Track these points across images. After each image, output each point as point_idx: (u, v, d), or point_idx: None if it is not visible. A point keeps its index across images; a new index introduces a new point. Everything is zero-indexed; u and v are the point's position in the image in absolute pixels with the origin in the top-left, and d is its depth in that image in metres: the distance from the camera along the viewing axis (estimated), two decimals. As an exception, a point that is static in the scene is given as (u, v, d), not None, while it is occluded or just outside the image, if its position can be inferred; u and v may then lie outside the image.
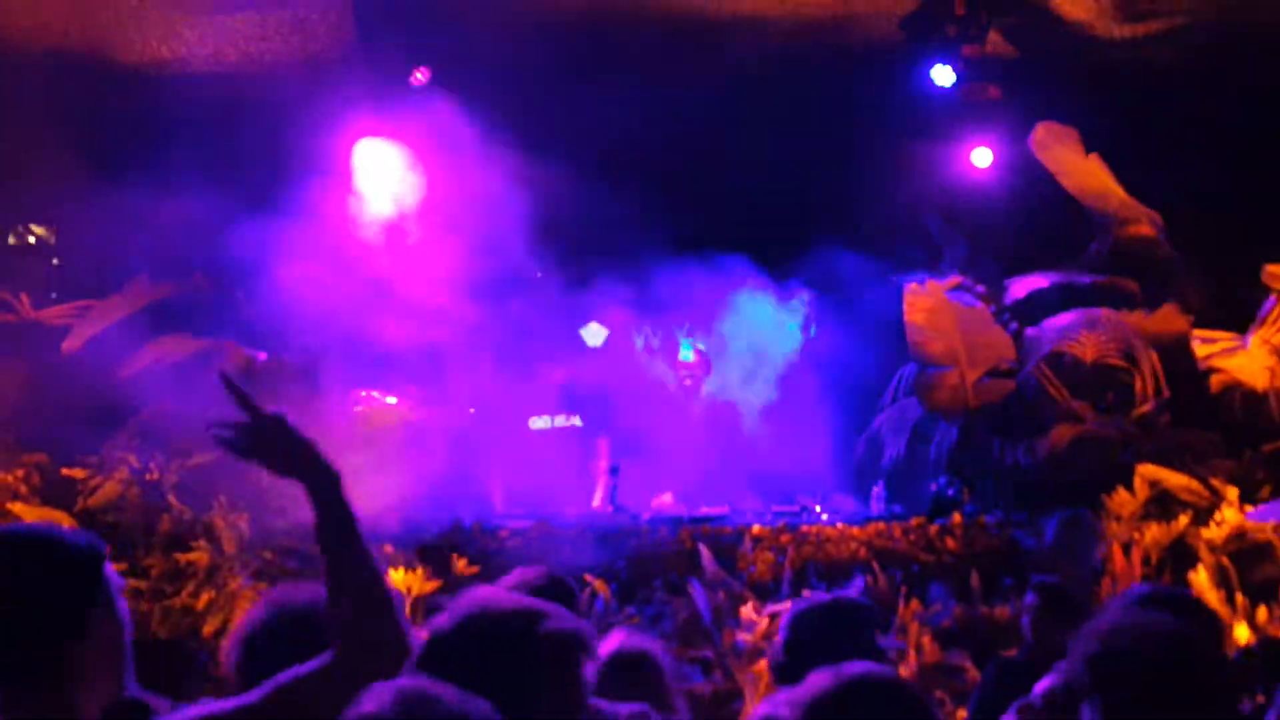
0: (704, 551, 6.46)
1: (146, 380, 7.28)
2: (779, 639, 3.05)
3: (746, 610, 6.06)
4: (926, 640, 5.85)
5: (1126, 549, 6.24)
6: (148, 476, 7.04)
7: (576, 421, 7.91)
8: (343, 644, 1.97)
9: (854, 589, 6.00)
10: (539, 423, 7.96)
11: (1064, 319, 7.41)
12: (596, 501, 7.24)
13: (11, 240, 8.65)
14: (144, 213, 7.60)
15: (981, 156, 8.08)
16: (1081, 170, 7.86)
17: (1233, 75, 7.84)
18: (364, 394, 7.61)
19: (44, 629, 1.91)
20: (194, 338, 7.56)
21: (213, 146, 8.01)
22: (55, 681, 1.92)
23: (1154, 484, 6.56)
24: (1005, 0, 7.40)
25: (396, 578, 6.39)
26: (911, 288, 7.41)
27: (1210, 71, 7.86)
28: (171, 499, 6.96)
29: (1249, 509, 6.36)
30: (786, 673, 3.01)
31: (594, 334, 8.95)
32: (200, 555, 6.76)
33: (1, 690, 1.90)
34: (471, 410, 8.12)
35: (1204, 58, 7.85)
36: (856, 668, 2.19)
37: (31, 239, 8.58)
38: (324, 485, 2.01)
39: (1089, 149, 7.85)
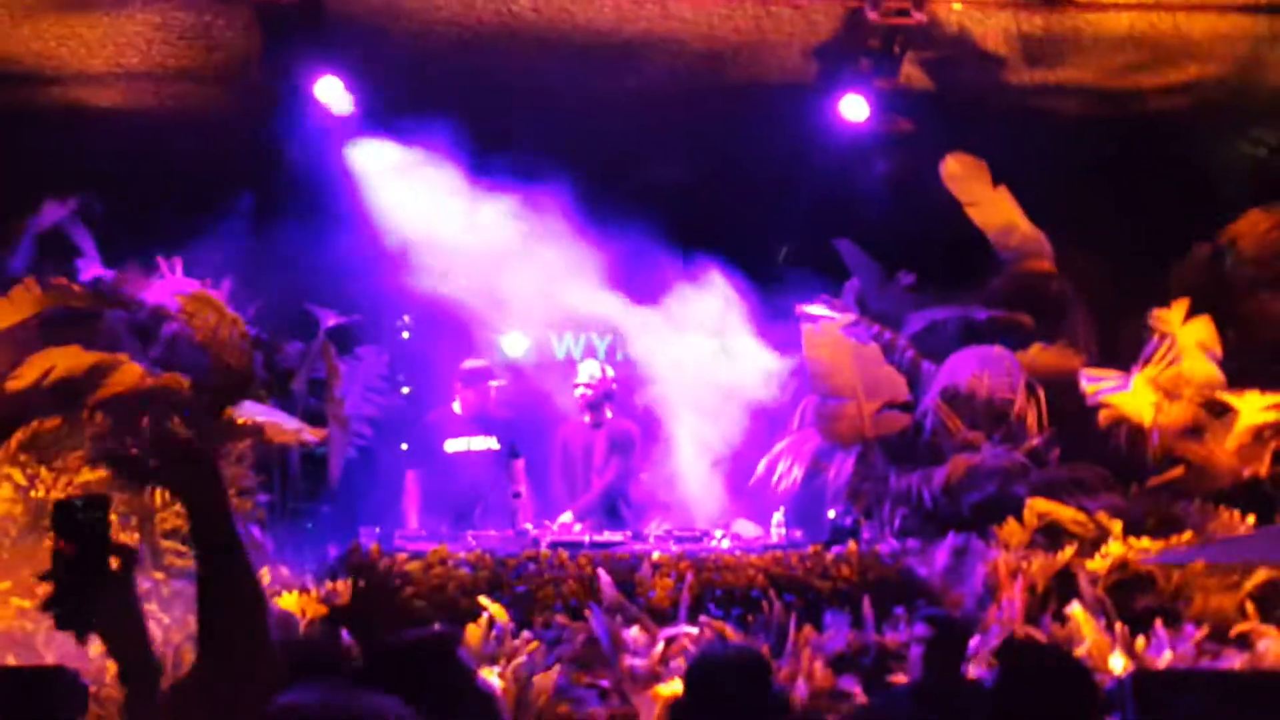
0: (603, 577, 6.46)
1: (33, 393, 7.06)
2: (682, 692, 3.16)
3: (637, 634, 6.09)
4: (818, 666, 5.93)
5: (1012, 578, 6.41)
6: (32, 494, 6.83)
7: (493, 444, 7.72)
8: (211, 652, 2.02)
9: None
10: (455, 445, 7.74)
11: (960, 354, 7.59)
12: (517, 524, 7.19)
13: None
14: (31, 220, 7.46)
15: (889, 188, 8.22)
16: (989, 202, 8.03)
17: (1128, 127, 8.16)
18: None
19: None
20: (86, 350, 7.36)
21: (112, 152, 7.86)
22: None
23: (1043, 516, 6.76)
24: (920, 35, 7.55)
25: (288, 600, 6.29)
26: (809, 327, 7.54)
27: (1108, 121, 8.18)
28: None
29: (1144, 546, 6.57)
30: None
31: (514, 343, 8.80)
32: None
33: None
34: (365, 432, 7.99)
35: (1103, 108, 8.18)
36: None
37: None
38: (207, 506, 2.05)
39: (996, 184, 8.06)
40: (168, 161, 7.91)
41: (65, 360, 7.19)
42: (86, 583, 2.00)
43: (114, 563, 2.04)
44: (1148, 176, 7.96)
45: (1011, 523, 6.75)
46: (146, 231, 7.87)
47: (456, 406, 7.81)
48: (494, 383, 7.83)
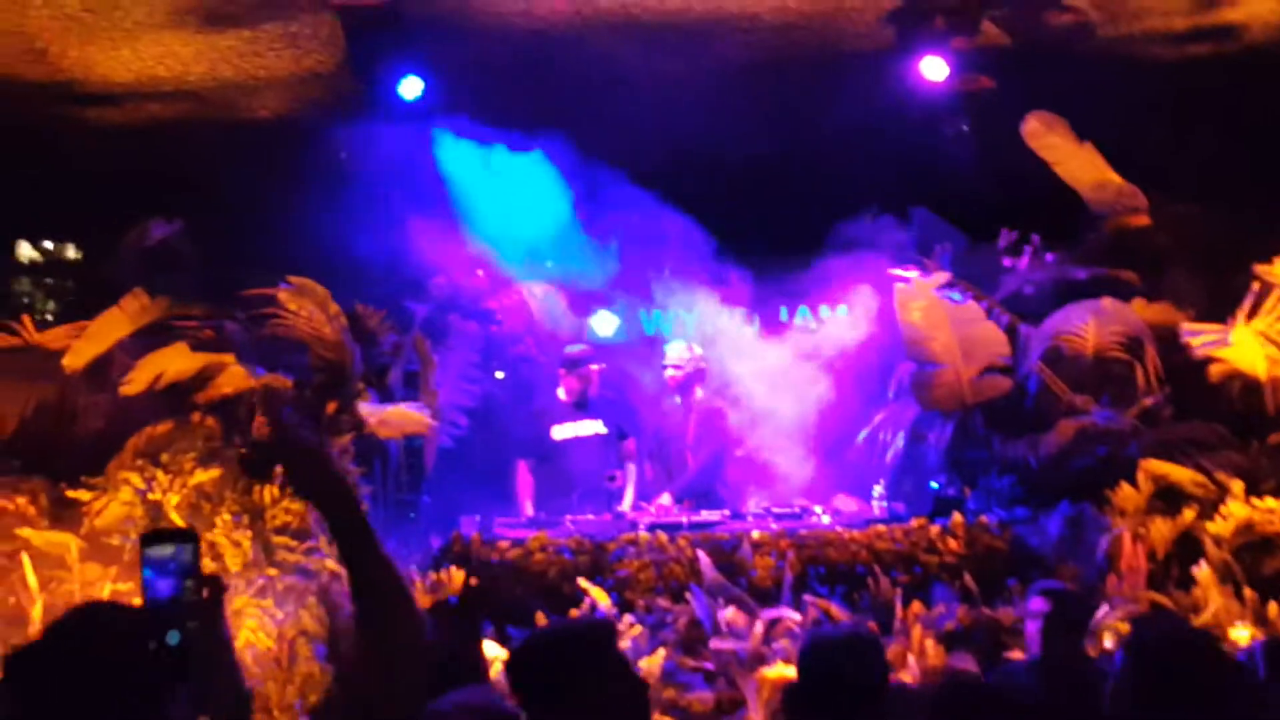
0: (703, 558, 6.41)
1: (146, 398, 7.27)
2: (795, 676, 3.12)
3: (737, 616, 6.02)
4: (929, 643, 5.80)
5: (1132, 545, 6.17)
6: (150, 496, 7.03)
7: (600, 428, 7.72)
8: (363, 643, 2.08)
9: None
10: (563, 431, 7.75)
11: (1063, 312, 7.32)
12: (626, 506, 7.20)
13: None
14: (140, 231, 7.66)
15: (974, 148, 8.03)
16: (1077, 159, 7.77)
17: (1226, 67, 7.79)
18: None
19: None
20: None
21: (213, 164, 8.04)
22: None
23: (1158, 478, 6.49)
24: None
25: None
26: (901, 287, 7.35)
27: (1202, 64, 7.82)
28: (174, 518, 6.95)
29: (1269, 505, 6.26)
30: (802, 705, 3.05)
31: (604, 322, 8.81)
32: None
33: None
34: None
35: (1195, 51, 7.82)
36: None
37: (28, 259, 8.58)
38: (337, 505, 2.11)
39: (1081, 139, 7.78)
40: (265, 167, 8.06)
41: (174, 363, 7.40)
42: (177, 616, 2.03)
43: (204, 594, 2.06)
44: (1250, 119, 7.59)
45: (1126, 487, 6.47)
46: (246, 237, 8.03)
47: (561, 393, 7.82)
48: (595, 366, 7.82)
